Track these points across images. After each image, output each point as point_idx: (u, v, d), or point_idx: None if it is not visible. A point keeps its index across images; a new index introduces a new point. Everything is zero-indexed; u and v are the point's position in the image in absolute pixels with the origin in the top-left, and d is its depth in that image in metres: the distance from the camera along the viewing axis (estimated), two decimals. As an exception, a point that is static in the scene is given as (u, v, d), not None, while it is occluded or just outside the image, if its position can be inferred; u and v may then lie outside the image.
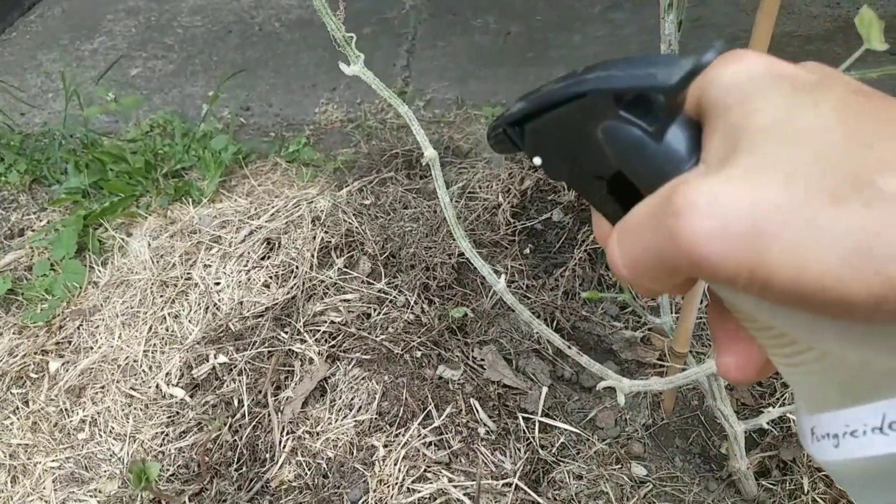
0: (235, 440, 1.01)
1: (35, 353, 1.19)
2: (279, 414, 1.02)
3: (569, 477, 0.99)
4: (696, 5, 2.51)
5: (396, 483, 0.86)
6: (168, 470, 0.99)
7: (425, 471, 0.88)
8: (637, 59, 0.28)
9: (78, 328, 1.21)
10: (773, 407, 1.03)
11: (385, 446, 0.91)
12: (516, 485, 0.88)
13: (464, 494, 0.83)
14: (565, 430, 1.06)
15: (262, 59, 2.42)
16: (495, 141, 0.37)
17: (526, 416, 1.08)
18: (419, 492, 0.84)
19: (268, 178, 1.74)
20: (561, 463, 1.02)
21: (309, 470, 0.93)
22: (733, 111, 0.24)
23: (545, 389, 1.12)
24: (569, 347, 0.90)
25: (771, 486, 1.08)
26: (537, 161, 0.35)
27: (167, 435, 1.02)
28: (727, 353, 0.28)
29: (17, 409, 1.09)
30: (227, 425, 1.02)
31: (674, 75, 0.26)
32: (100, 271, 1.36)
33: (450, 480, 0.85)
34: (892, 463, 0.24)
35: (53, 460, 1.00)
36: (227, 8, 2.73)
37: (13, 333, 1.29)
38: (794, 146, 0.22)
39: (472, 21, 2.57)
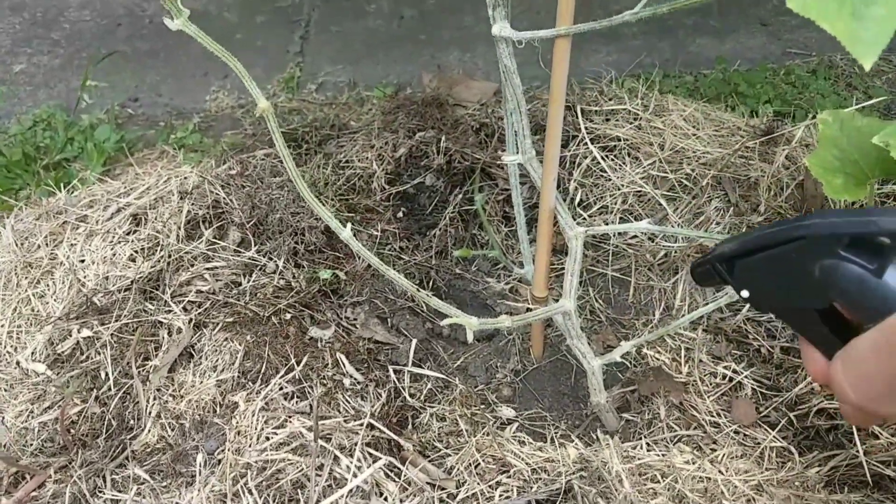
0: (103, 411, 1.01)
1: None
2: (146, 383, 1.02)
3: (433, 419, 1.03)
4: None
5: (255, 433, 0.88)
6: (32, 444, 0.98)
7: (285, 420, 0.90)
8: (854, 210, 0.33)
9: (-59, 318, 1.18)
10: (627, 340, 1.09)
11: (246, 401, 0.93)
12: (370, 423, 0.91)
13: (320, 436, 0.86)
14: (433, 376, 1.10)
15: (153, 51, 2.39)
16: (701, 275, 0.40)
17: (397, 367, 1.12)
18: (276, 435, 0.86)
19: (154, 166, 1.72)
20: (427, 408, 1.06)
21: (172, 431, 0.94)
22: None
23: (415, 342, 1.15)
24: (418, 291, 0.94)
25: (631, 418, 1.15)
26: (745, 294, 0.38)
27: (31, 412, 1.01)
28: None
29: None
30: (94, 398, 1.02)
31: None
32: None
33: (303, 424, 0.87)
34: None
35: None
36: (116, 1, 2.67)
37: None
38: None
39: (366, 6, 2.59)
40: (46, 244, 1.19)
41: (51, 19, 2.59)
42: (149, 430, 0.97)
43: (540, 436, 1.09)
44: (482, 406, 1.09)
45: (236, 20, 2.49)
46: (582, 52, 2.28)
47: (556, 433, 1.10)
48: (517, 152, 1.09)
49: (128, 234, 1.19)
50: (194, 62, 2.32)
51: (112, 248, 1.15)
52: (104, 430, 1.01)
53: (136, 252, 1.15)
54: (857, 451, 0.94)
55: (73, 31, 2.52)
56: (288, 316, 1.10)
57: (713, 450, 1.03)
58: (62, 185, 1.60)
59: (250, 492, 0.80)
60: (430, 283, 1.31)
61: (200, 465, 0.85)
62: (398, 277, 0.91)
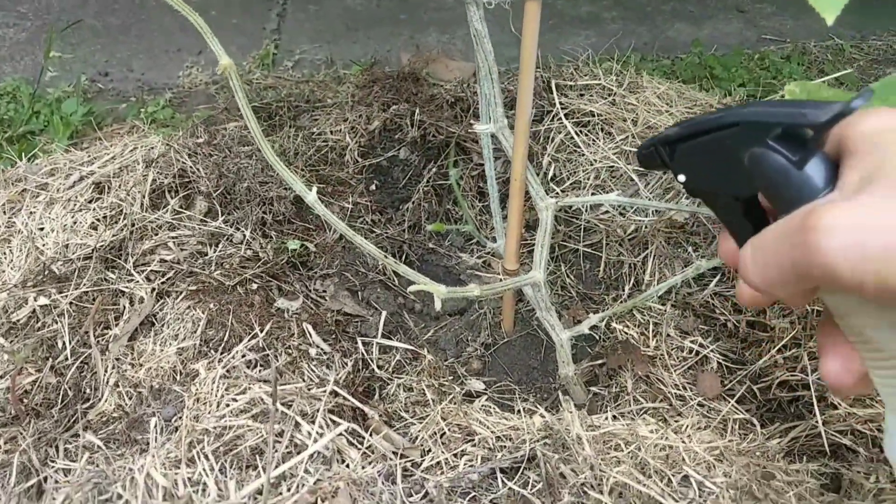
0: (59, 381, 0.99)
1: None
2: (106, 352, 1.00)
3: (399, 390, 1.02)
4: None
5: (214, 400, 0.86)
6: (-17, 414, 0.95)
7: (246, 388, 0.89)
8: (789, 101, 0.34)
9: None
10: (595, 314, 1.09)
11: (207, 369, 0.91)
12: (334, 391, 0.90)
13: (281, 403, 0.84)
14: (402, 348, 1.09)
15: (125, 26, 2.34)
16: (644, 157, 0.40)
17: (366, 339, 1.11)
18: (236, 402, 0.85)
19: (122, 140, 1.68)
20: (395, 379, 1.04)
21: (129, 399, 0.92)
22: (870, 154, 0.30)
23: (384, 314, 1.14)
24: (385, 257, 0.93)
25: (599, 392, 1.15)
26: (682, 178, 0.40)
27: (-16, 381, 0.99)
28: (831, 360, 0.34)
29: None
30: (50, 367, 0.99)
31: (823, 115, 0.31)
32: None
33: (263, 391, 0.85)
34: None
35: None
36: (87, -25, 2.62)
37: None
38: None
39: (345, -15, 2.56)
40: (3, 212, 1.16)
41: (19, -8, 2.52)
42: (105, 400, 0.94)
43: (508, 408, 1.08)
44: (451, 378, 1.08)
45: (211, -4, 2.45)
46: (561, 35, 2.27)
47: (524, 406, 1.09)
48: (481, 123, 1.08)
49: (90, 202, 1.16)
50: (167, 38, 2.28)
51: (73, 217, 1.12)
52: (59, 401, 0.98)
53: (98, 220, 1.13)
54: (817, 422, 0.94)
55: (42, 4, 2.46)
56: (254, 286, 1.08)
57: (677, 421, 1.03)
58: (23, 155, 1.57)
59: (206, 457, 0.78)
60: (403, 257, 1.30)
61: (156, 432, 0.83)
62: (365, 243, 0.90)
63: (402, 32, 2.35)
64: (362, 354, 1.07)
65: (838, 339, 0.34)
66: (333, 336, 1.07)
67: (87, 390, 0.97)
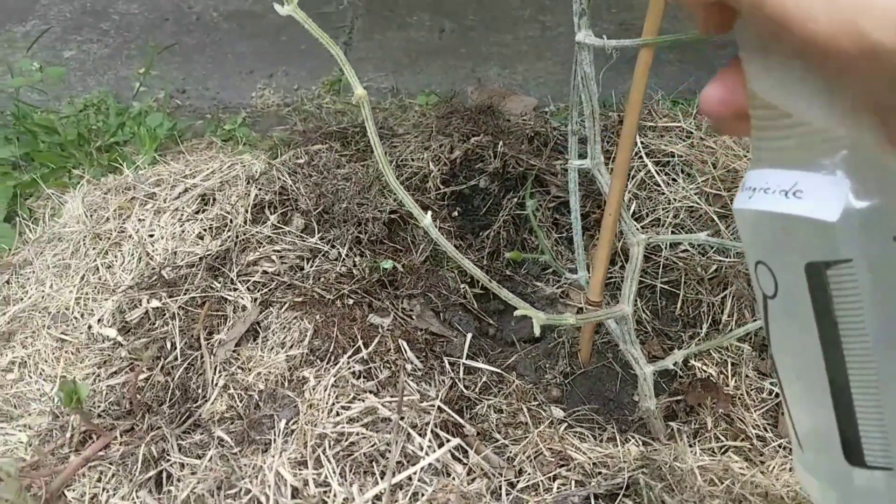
0: (167, 380, 1.04)
1: (-41, 307, 1.18)
2: (213, 356, 1.04)
3: (490, 411, 1.05)
4: (623, 11, 2.67)
5: (326, 407, 0.90)
6: (100, 406, 1.00)
7: (354, 397, 0.93)
8: None
9: (6, 282, 1.21)
10: (678, 349, 1.12)
11: (315, 377, 0.95)
12: (439, 406, 0.93)
13: (389, 412, 0.88)
14: (487, 370, 1.12)
15: (199, 46, 2.44)
16: None
17: (451, 360, 1.14)
18: (350, 409, 0.89)
19: (203, 154, 1.75)
20: (483, 400, 1.08)
21: (241, 401, 0.96)
22: None
23: (469, 336, 1.18)
24: (489, 281, 0.97)
25: (678, 427, 1.17)
26: None
27: (98, 376, 1.04)
28: (715, 86, 0.31)
29: (-59, 354, 1.08)
30: (160, 367, 1.04)
31: None
32: (31, 232, 1.35)
33: (380, 398, 0.89)
34: (778, 222, 0.28)
35: (-21, 399, 1.00)
36: (164, -4, 2.73)
37: (-66, 292, 1.27)
38: None
39: (408, 18, 2.65)
40: (115, 217, 1.22)
41: (100, 10, 2.64)
42: (215, 400, 0.99)
43: (592, 438, 1.11)
44: (536, 403, 1.12)
45: (282, 22, 2.54)
46: (619, 74, 2.33)
47: (604, 434, 1.12)
48: (576, 158, 1.14)
49: (196, 213, 1.22)
50: (240, 60, 2.37)
51: (181, 226, 1.18)
52: (168, 399, 1.03)
53: (205, 231, 1.18)
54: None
55: (122, 22, 2.57)
56: (350, 301, 1.12)
57: (762, 461, 1.05)
58: (115, 166, 1.64)
59: (329, 460, 0.82)
60: (480, 282, 1.34)
61: (275, 433, 0.87)
62: (472, 268, 0.94)
63: (464, 65, 2.43)
64: (450, 373, 1.11)
65: (734, 69, 0.31)
66: (424, 354, 1.11)
67: (196, 391, 1.01)
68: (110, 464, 0.94)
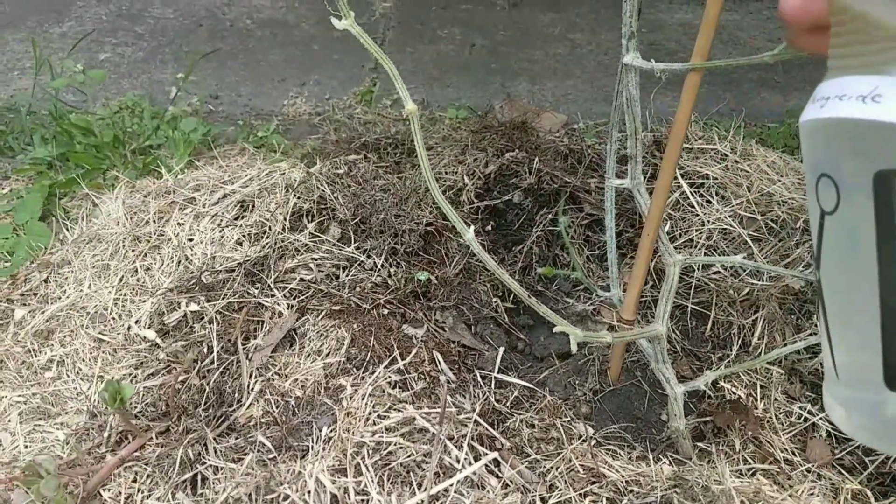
0: (203, 384, 1.05)
1: (-1, 303, 1.20)
2: (248, 360, 1.06)
3: (522, 425, 1.06)
4: (653, 31, 2.68)
5: (363, 416, 0.91)
6: (136, 407, 1.01)
7: (390, 407, 0.93)
8: None
9: (45, 280, 1.23)
10: (707, 370, 1.12)
11: (352, 386, 0.96)
12: (476, 420, 0.94)
13: (427, 423, 0.89)
14: (519, 385, 1.13)
15: (233, 53, 2.47)
16: None
17: (483, 373, 1.15)
18: (388, 419, 0.89)
19: (235, 160, 1.78)
20: (515, 414, 1.08)
21: (277, 407, 0.97)
22: None
23: (501, 350, 1.19)
24: (528, 296, 0.98)
25: (706, 448, 1.17)
26: None
27: (135, 377, 1.05)
28: None
29: (-18, 350, 1.10)
30: (196, 370, 1.05)
31: None
32: (68, 231, 1.37)
33: (417, 408, 0.90)
34: (852, 128, 0.27)
35: (20, 395, 1.01)
36: (198, 3, 2.78)
37: (-27, 289, 1.29)
38: None
39: (439, 32, 2.67)
40: (154, 220, 1.24)
41: (135, 14, 2.69)
42: (251, 405, 1.00)
43: (621, 456, 1.11)
44: (566, 419, 1.12)
45: (314, 32, 2.58)
46: (650, 95, 2.35)
47: (633, 453, 1.12)
48: (613, 177, 1.14)
49: (236, 219, 1.23)
50: (272, 67, 2.40)
51: (220, 231, 1.20)
52: (203, 402, 1.04)
53: (244, 237, 1.20)
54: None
55: (157, 27, 2.61)
56: (385, 311, 1.13)
57: (790, 485, 1.05)
58: (150, 171, 1.66)
59: (367, 469, 0.83)
60: (512, 297, 1.35)
61: (313, 440, 0.88)
62: (512, 283, 0.95)
63: (494, 80, 2.44)
64: (482, 386, 1.12)
65: None
66: (457, 366, 1.12)
67: (231, 395, 1.02)
68: (146, 465, 0.95)
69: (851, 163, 0.28)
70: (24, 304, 1.19)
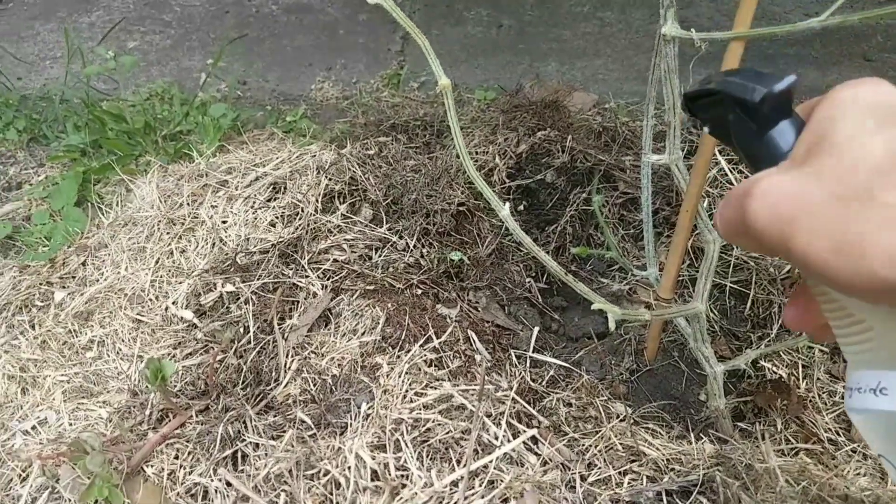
0: (241, 363, 1.05)
1: (40, 286, 1.22)
2: (285, 339, 1.06)
3: (559, 404, 1.05)
4: (683, 8, 2.63)
5: (400, 393, 0.91)
6: (175, 386, 1.02)
7: (427, 385, 0.93)
8: (751, 73, 0.36)
9: (83, 263, 1.24)
10: (747, 349, 1.10)
11: (389, 364, 0.96)
12: (514, 398, 0.93)
13: (465, 400, 0.88)
14: (555, 364, 1.12)
15: (259, 39, 2.47)
16: (683, 107, 0.45)
17: (518, 352, 1.14)
18: (425, 396, 0.89)
19: (265, 145, 1.78)
20: (551, 393, 1.07)
21: (314, 385, 0.97)
22: (818, 126, 0.31)
23: (536, 330, 1.17)
24: (565, 274, 0.96)
25: (746, 428, 1.15)
26: (706, 129, 0.43)
27: (174, 356, 1.06)
28: (791, 307, 0.37)
29: (25, 331, 1.12)
30: (233, 350, 1.06)
31: (758, 95, 0.34)
32: (104, 216, 1.39)
33: (454, 386, 0.90)
34: (879, 417, 0.32)
35: (63, 374, 1.03)
36: (224, -10, 2.78)
37: (14, 272, 1.31)
38: (844, 161, 0.28)
39: (466, 13, 2.65)
40: (188, 203, 1.25)
41: (162, 2, 2.70)
42: (288, 383, 1.00)
43: (660, 435, 1.10)
44: (602, 398, 1.10)
45: (339, 16, 2.57)
46: (683, 72, 2.30)
47: (672, 433, 1.10)
48: (650, 153, 1.12)
49: (268, 200, 1.24)
50: (299, 52, 2.40)
51: (254, 213, 1.20)
52: (240, 381, 1.05)
53: (277, 218, 1.20)
54: None
55: (184, 14, 2.63)
56: (419, 291, 1.13)
57: (836, 465, 1.03)
58: (181, 156, 1.68)
59: (406, 444, 0.83)
60: (546, 277, 1.34)
61: (350, 417, 0.88)
62: (548, 260, 0.94)
63: (522, 61, 2.42)
64: (516, 365, 1.11)
65: (804, 290, 0.36)
66: (491, 346, 1.11)
67: (268, 374, 1.03)
68: (187, 442, 0.96)
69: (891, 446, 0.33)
70: (64, 287, 1.21)
